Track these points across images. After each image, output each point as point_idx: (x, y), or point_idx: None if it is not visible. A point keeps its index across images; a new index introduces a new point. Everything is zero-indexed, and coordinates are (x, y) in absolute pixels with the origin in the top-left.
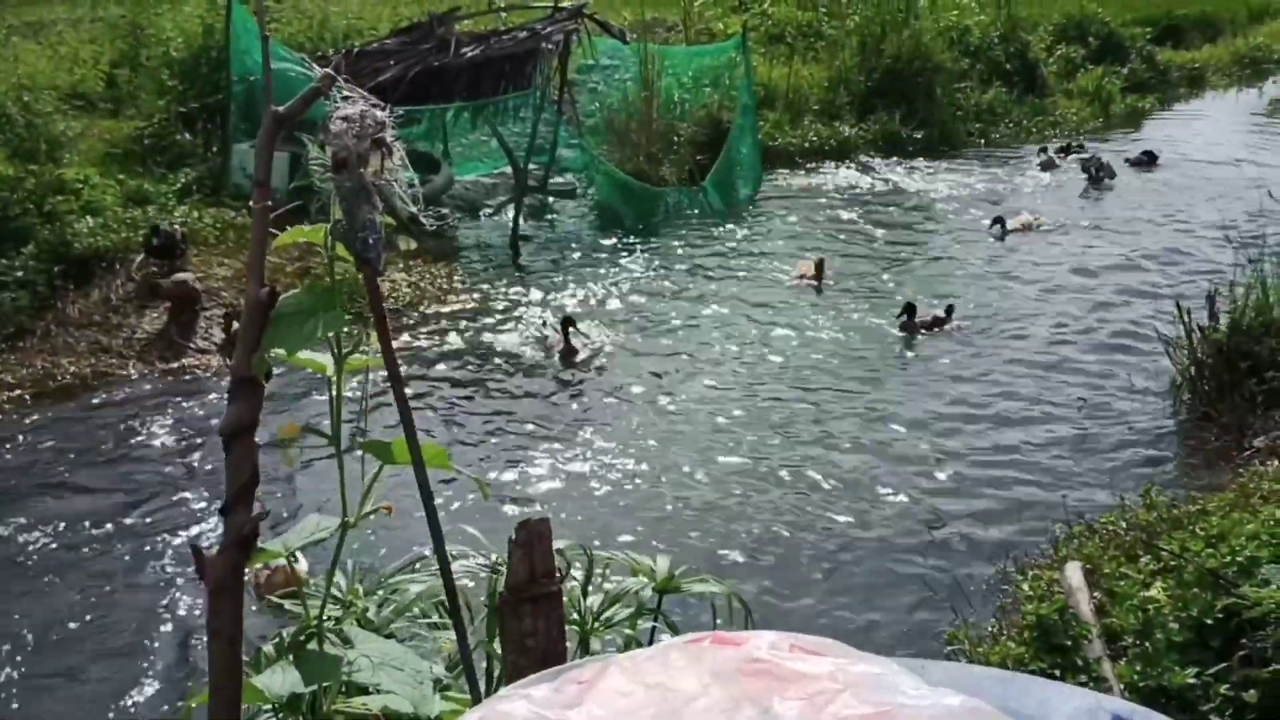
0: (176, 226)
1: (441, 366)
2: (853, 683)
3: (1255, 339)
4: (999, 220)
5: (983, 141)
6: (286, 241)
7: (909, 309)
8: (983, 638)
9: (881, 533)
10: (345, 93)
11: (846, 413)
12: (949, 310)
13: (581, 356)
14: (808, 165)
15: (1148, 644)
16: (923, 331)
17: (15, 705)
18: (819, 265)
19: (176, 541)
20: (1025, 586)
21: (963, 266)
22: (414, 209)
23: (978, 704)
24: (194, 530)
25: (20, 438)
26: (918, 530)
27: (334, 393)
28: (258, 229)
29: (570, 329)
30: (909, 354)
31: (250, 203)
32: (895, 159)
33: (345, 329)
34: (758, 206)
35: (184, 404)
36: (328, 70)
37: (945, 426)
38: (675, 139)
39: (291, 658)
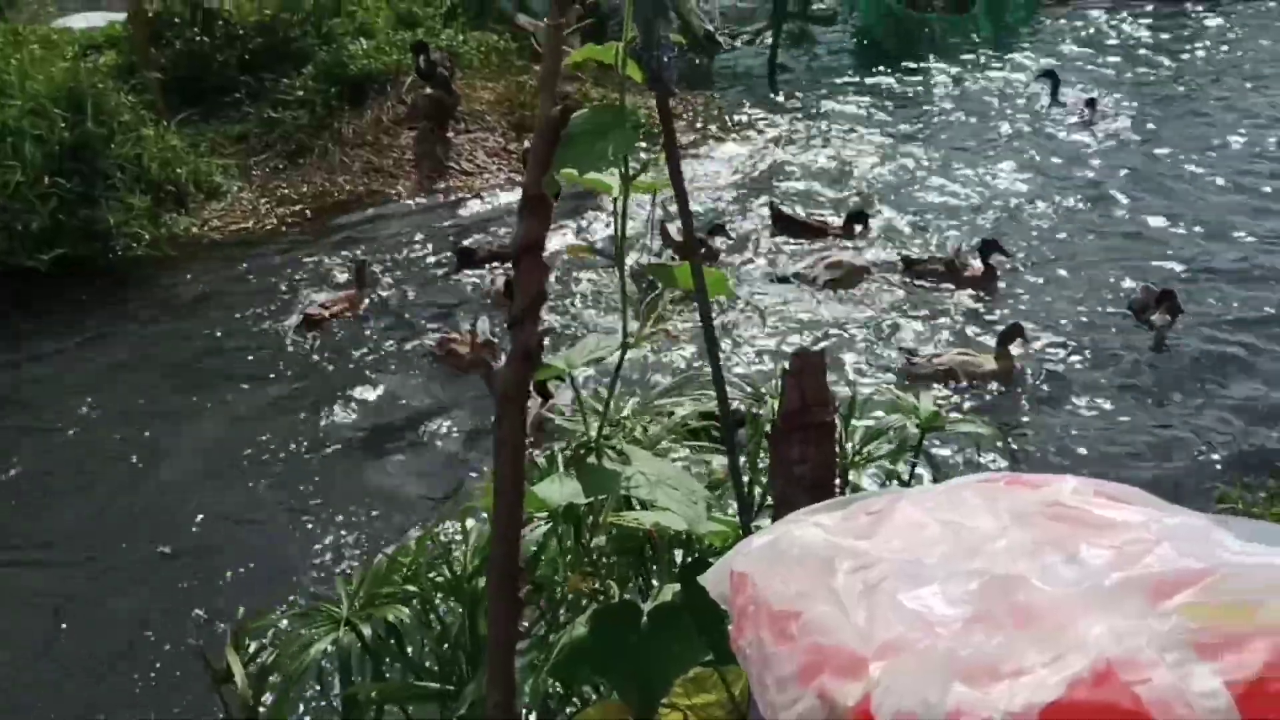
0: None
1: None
2: (1169, 535)
3: None
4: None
5: None
6: (578, 59)
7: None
8: (1258, 500)
9: (1149, 381)
10: None
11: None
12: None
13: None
14: None
15: None
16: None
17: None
18: (854, 217)
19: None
20: None
21: None
22: (709, 26)
23: None
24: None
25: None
26: (1192, 387)
27: (618, 215)
28: (551, 46)
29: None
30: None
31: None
32: None
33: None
34: (1033, 35)
35: (448, 224)
36: None
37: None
38: None
39: (569, 470)
